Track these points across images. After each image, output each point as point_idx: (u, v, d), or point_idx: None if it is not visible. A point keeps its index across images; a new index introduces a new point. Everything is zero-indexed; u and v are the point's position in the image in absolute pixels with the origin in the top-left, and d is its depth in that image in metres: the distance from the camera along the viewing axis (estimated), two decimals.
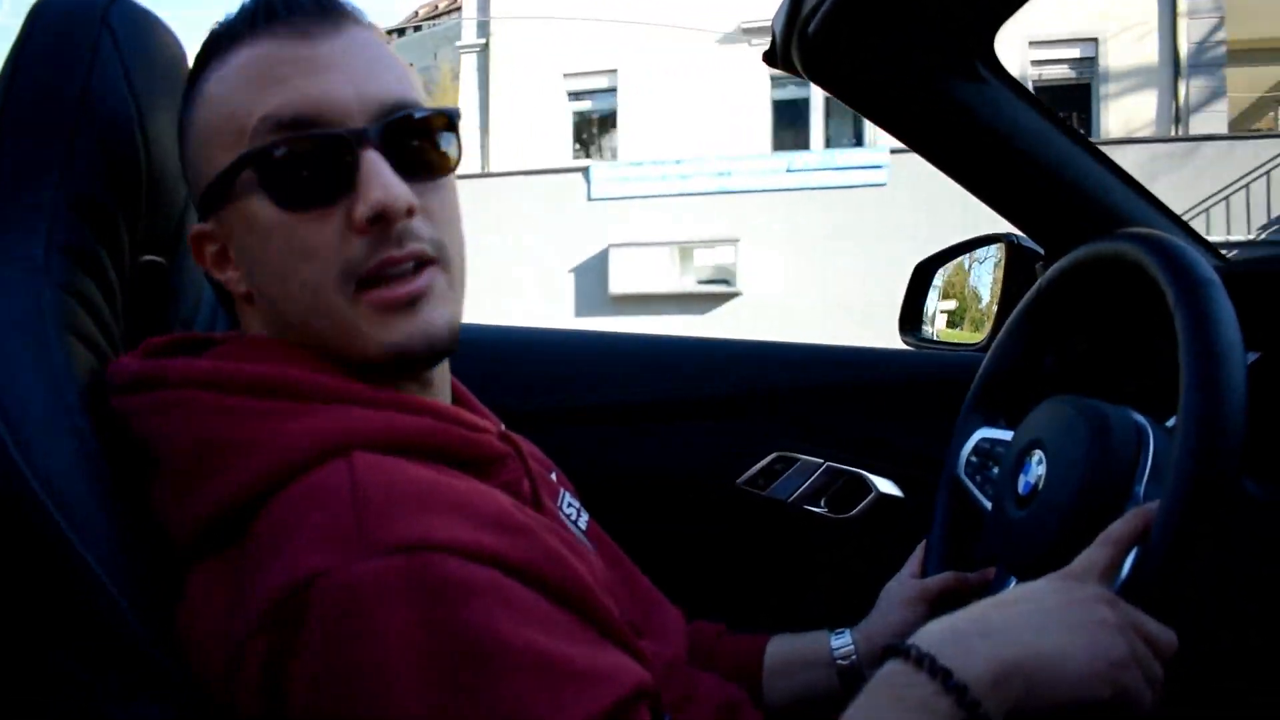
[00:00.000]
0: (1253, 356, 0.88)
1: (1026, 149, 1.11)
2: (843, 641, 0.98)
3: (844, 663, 0.96)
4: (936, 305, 1.59)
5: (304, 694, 0.56)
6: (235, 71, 0.67)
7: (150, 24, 0.83)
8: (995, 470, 0.99)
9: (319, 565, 0.56)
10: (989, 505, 0.96)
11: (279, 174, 0.65)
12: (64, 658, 0.61)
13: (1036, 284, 1.04)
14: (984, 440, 1.03)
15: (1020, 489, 0.89)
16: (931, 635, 0.67)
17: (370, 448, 0.63)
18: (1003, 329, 1.08)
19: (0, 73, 0.76)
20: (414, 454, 0.66)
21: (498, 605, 0.57)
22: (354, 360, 0.68)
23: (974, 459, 1.03)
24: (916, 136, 1.14)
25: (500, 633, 0.56)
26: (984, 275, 1.51)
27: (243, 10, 0.69)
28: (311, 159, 0.65)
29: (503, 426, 0.81)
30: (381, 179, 0.64)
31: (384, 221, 0.65)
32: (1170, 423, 0.79)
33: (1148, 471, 0.80)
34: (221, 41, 0.69)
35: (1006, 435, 0.99)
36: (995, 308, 1.39)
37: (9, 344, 0.66)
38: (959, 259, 1.62)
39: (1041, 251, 1.28)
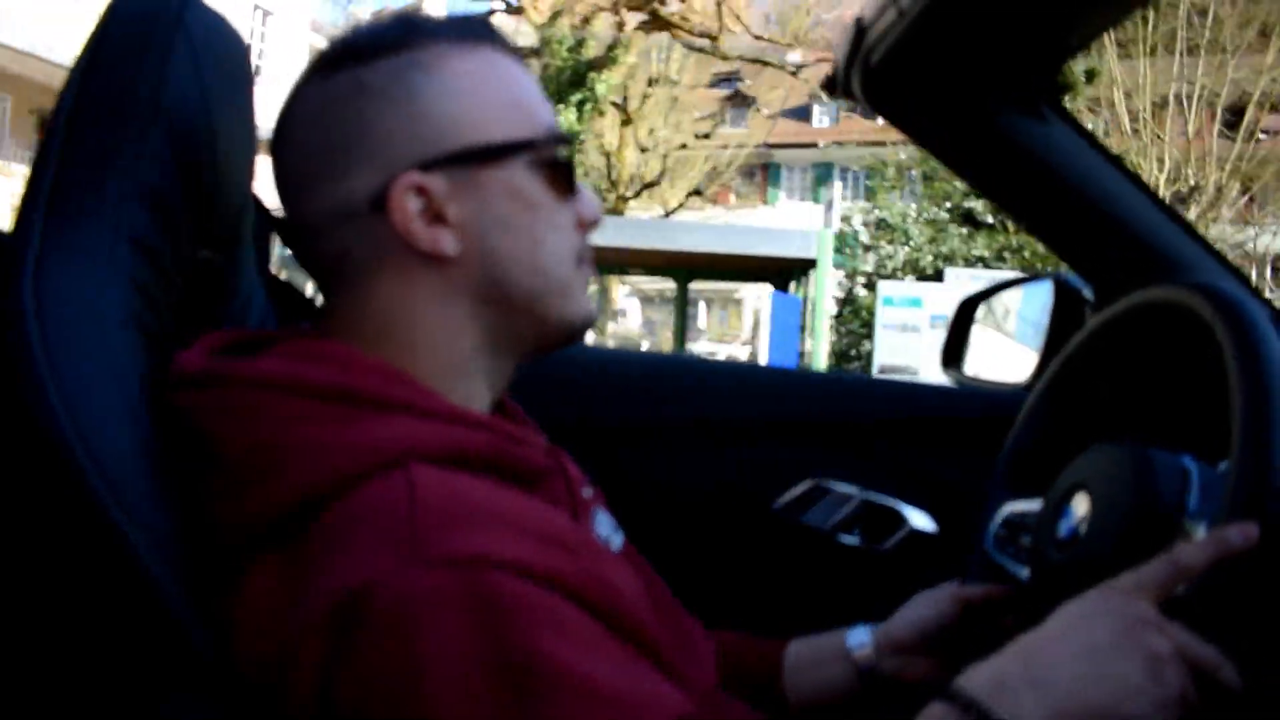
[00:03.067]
0: None
1: (1085, 190, 1.10)
2: (860, 638, 0.98)
3: (861, 655, 0.97)
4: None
5: (352, 700, 0.56)
6: (491, 66, 0.75)
7: (221, 26, 0.85)
8: (1026, 539, 0.98)
9: (374, 575, 0.57)
10: (1023, 573, 0.95)
11: (558, 169, 0.75)
12: (109, 645, 0.61)
13: (1084, 329, 1.03)
14: (1013, 514, 1.02)
15: (1062, 532, 0.88)
16: (979, 683, 0.66)
17: (428, 459, 0.64)
18: (1032, 394, 1.07)
19: (75, 65, 0.78)
20: (471, 467, 0.66)
21: (549, 626, 0.57)
22: (551, 322, 0.77)
23: (1003, 532, 1.02)
24: (974, 171, 1.14)
25: (550, 654, 0.56)
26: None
27: (467, 18, 0.77)
28: (572, 167, 0.78)
29: (547, 440, 0.81)
30: (590, 194, 0.79)
31: (594, 226, 0.79)
32: (1221, 466, 0.79)
33: (1197, 509, 0.79)
34: (445, 31, 0.74)
35: (1035, 505, 0.98)
36: (1040, 349, 1.38)
37: (73, 332, 0.67)
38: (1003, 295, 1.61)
39: (1089, 293, 1.27)
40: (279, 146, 0.75)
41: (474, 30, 0.76)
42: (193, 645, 0.62)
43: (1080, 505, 0.87)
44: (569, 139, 0.78)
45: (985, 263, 13.67)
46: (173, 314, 0.79)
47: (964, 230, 14.56)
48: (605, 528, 0.85)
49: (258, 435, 0.66)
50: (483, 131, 0.73)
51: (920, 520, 1.33)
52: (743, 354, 18.04)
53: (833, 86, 1.12)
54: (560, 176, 0.76)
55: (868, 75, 1.04)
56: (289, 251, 0.80)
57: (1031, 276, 1.52)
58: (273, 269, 1.10)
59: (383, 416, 0.66)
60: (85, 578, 0.62)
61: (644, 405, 1.40)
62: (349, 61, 0.73)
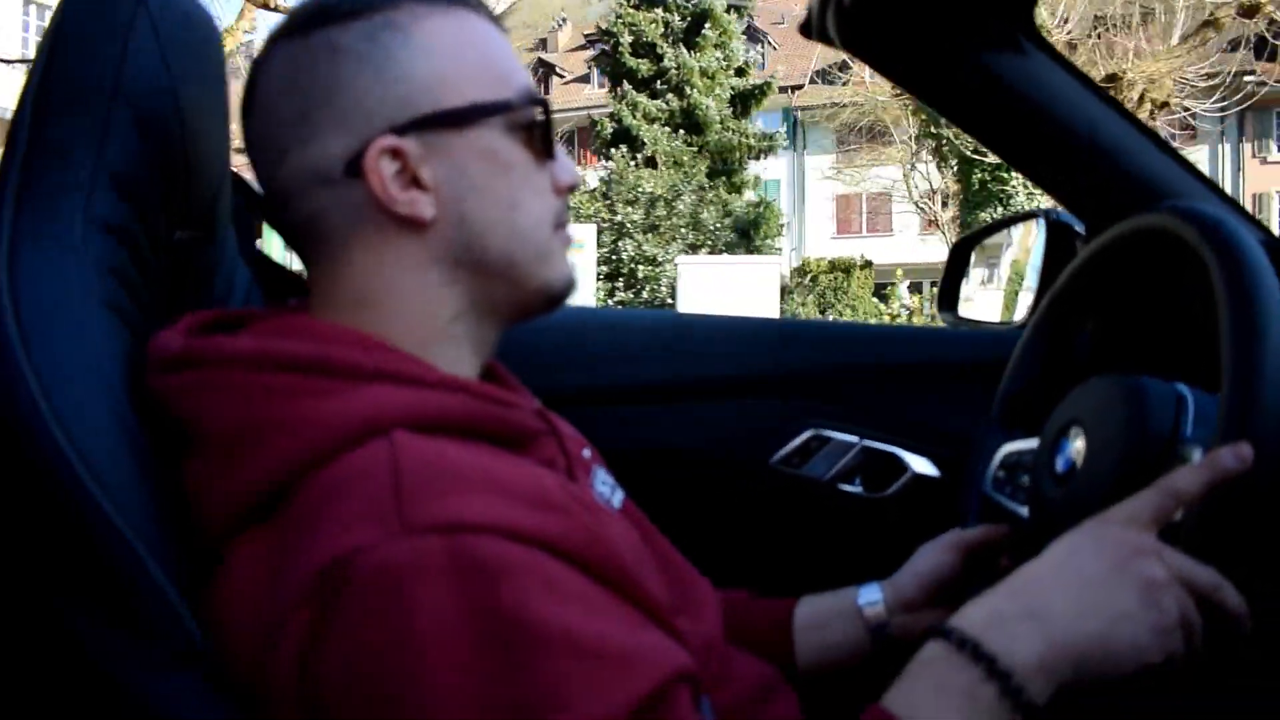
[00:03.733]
0: None
1: (1067, 121, 1.09)
2: (869, 594, 0.97)
3: (872, 613, 0.96)
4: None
5: (338, 670, 0.56)
6: (465, 28, 0.74)
7: (185, 3, 0.84)
8: (1025, 478, 0.98)
9: (359, 543, 0.56)
10: (1023, 511, 0.95)
11: (534, 131, 0.75)
12: (97, 628, 0.61)
13: (1072, 263, 1.02)
14: (1010, 454, 1.02)
15: (1059, 467, 0.88)
16: (974, 618, 0.66)
17: (410, 427, 0.63)
18: (1023, 334, 1.06)
19: (38, 52, 0.77)
20: (453, 432, 0.65)
21: (537, 586, 0.57)
22: (530, 287, 0.76)
23: (1001, 473, 1.02)
24: (955, 108, 1.12)
25: (539, 614, 0.56)
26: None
27: None
28: (550, 130, 0.77)
29: (538, 403, 0.81)
30: (567, 158, 0.78)
31: (571, 190, 0.78)
32: (1216, 396, 0.78)
33: (1192, 435, 0.78)
34: (415, 6, 0.73)
35: (1032, 444, 0.98)
36: (1036, 286, 1.37)
37: (47, 320, 0.66)
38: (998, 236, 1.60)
39: (1081, 228, 1.26)
40: (249, 110, 0.74)
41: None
42: (184, 627, 0.62)
43: (1076, 439, 0.87)
44: (544, 102, 0.77)
45: None
46: (151, 297, 0.79)
47: None
48: (605, 486, 0.85)
49: (235, 413, 0.65)
50: (457, 94, 0.72)
51: (922, 465, 1.33)
52: None
53: (808, 29, 1.11)
54: (537, 139, 0.75)
55: (842, 16, 1.03)
56: None
57: (1022, 215, 1.51)
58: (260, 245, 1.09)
59: (361, 386, 0.65)
60: (71, 562, 0.62)
61: (639, 365, 1.40)
62: (322, 22, 0.71)
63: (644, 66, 19.48)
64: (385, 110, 0.70)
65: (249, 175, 0.90)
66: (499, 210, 0.73)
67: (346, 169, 0.70)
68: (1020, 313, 1.44)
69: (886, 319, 13.39)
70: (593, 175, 19.60)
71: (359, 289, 0.72)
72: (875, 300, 16.17)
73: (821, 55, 25.75)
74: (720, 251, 16.84)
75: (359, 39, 0.70)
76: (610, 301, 16.35)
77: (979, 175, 17.78)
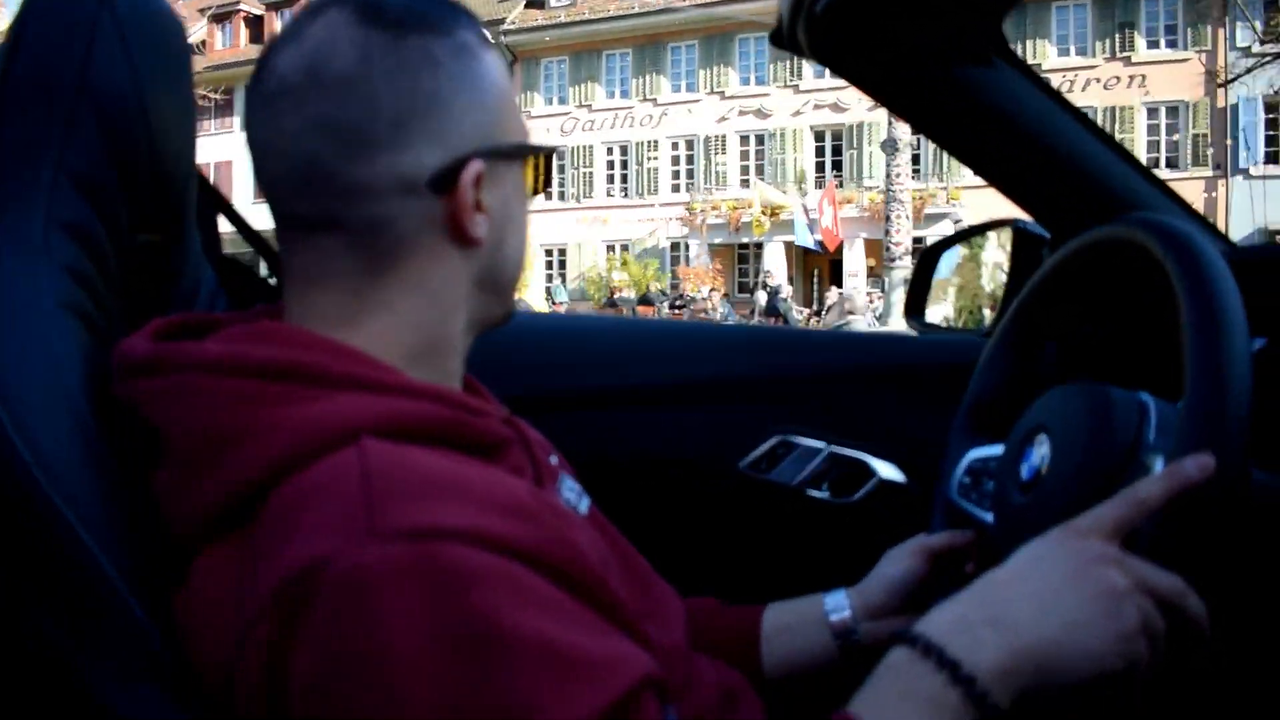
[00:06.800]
0: (1259, 343, 0.88)
1: (1034, 132, 1.10)
2: (836, 601, 0.98)
3: (838, 620, 0.96)
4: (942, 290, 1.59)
5: (306, 681, 0.55)
6: (505, 74, 0.77)
7: (151, 3, 0.83)
8: (990, 484, 0.98)
9: (327, 551, 0.56)
10: (989, 518, 0.96)
11: (546, 171, 0.80)
12: (62, 639, 0.61)
13: (1037, 273, 1.03)
14: (976, 460, 1.03)
15: (1024, 475, 0.88)
16: (939, 624, 0.66)
17: (379, 434, 0.63)
18: (990, 342, 1.07)
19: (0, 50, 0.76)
20: (423, 439, 0.65)
21: (507, 593, 0.57)
22: (510, 306, 0.81)
23: (966, 479, 1.02)
24: (924, 119, 1.13)
25: (509, 621, 0.55)
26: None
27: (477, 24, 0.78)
28: (551, 169, 0.82)
29: (506, 411, 0.81)
30: None
31: None
32: (1179, 405, 0.79)
33: (1154, 443, 0.79)
34: (474, 33, 0.75)
35: (998, 450, 0.99)
36: (1000, 295, 1.38)
37: (6, 323, 0.65)
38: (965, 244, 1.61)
39: (1048, 237, 1.28)
40: (313, 92, 0.68)
41: (480, 25, 0.78)
42: (148, 637, 0.61)
43: (1041, 446, 0.87)
44: (554, 148, 0.84)
45: None
46: (113, 300, 0.78)
47: None
48: (571, 493, 0.85)
49: (203, 419, 0.65)
50: (514, 128, 0.76)
51: (888, 471, 1.34)
52: None
53: (779, 38, 1.11)
54: (546, 178, 0.80)
55: (812, 25, 1.03)
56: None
57: (991, 224, 1.52)
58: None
59: (331, 393, 0.65)
60: (36, 577, 0.61)
61: (604, 370, 1.40)
62: (417, 28, 0.70)
63: None
64: (475, 133, 0.72)
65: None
66: (520, 238, 0.79)
67: (434, 183, 0.70)
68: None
69: None
70: None
71: (386, 296, 0.71)
72: None
73: None
74: None
75: (452, 56, 0.71)
76: None
77: None
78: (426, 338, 0.73)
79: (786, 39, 1.09)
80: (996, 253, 1.46)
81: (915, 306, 1.57)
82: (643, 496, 1.28)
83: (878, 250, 23.83)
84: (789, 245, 22.69)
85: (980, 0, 1.01)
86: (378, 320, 0.71)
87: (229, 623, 0.59)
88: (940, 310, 1.58)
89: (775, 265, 23.25)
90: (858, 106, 23.89)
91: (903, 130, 14.77)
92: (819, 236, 20.86)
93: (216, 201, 1.03)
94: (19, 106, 0.74)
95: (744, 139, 25.50)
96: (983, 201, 22.04)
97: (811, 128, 25.02)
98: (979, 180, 1.21)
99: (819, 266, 24.37)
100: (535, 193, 0.80)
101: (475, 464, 0.66)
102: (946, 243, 1.63)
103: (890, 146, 15.02)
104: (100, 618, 0.61)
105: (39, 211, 0.71)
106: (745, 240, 24.20)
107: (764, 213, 22.88)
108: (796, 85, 24.82)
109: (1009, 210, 1.32)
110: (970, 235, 1.63)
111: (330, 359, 0.67)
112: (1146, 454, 0.79)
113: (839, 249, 22.30)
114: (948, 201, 22.45)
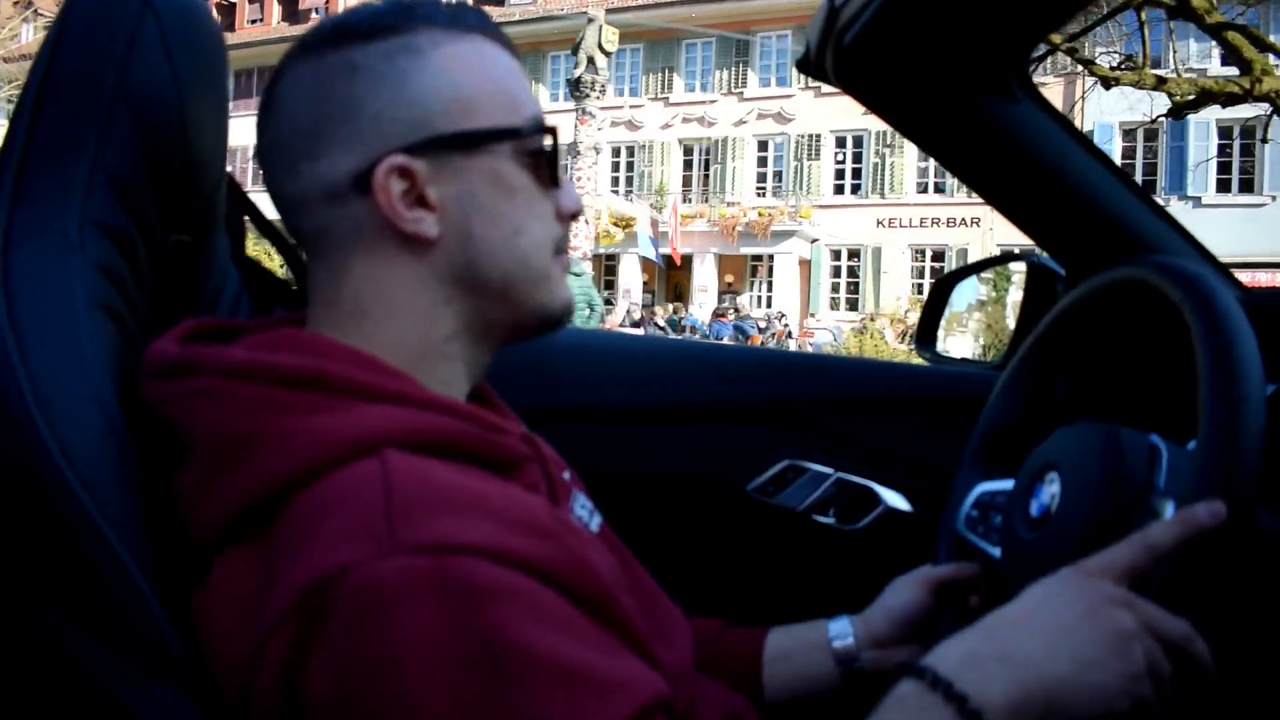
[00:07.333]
0: (1272, 388, 0.88)
1: (1054, 169, 1.11)
2: (840, 628, 0.98)
3: (841, 647, 0.96)
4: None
5: (322, 689, 0.56)
6: (482, 54, 0.75)
7: (193, 7, 0.84)
8: (998, 518, 0.99)
9: (346, 560, 0.56)
10: (995, 552, 0.96)
11: (541, 158, 0.77)
12: (83, 638, 0.61)
13: (1052, 311, 1.04)
14: (984, 494, 1.03)
15: (1033, 511, 0.89)
16: (949, 658, 0.66)
17: (401, 446, 0.64)
18: (1003, 375, 1.07)
19: (41, 48, 0.77)
20: (443, 454, 0.66)
21: (523, 610, 0.57)
22: (526, 309, 0.77)
23: (974, 512, 1.03)
24: (945, 151, 1.14)
25: (523, 638, 0.56)
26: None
27: (461, 6, 0.78)
28: (556, 158, 0.78)
29: (524, 427, 0.81)
30: (571, 186, 0.80)
31: (574, 217, 0.80)
32: (1190, 446, 0.80)
33: (1165, 487, 0.80)
34: (439, 17, 0.74)
35: (1007, 484, 0.99)
36: (1013, 328, 1.39)
37: (39, 319, 0.66)
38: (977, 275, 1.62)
39: (1062, 273, 1.28)
40: (265, 121, 0.74)
41: (467, 18, 0.76)
42: (166, 639, 0.62)
43: (1051, 484, 0.88)
44: (553, 130, 0.78)
45: None
46: (144, 299, 0.79)
47: None
48: (583, 510, 0.85)
49: (228, 424, 0.65)
50: (470, 118, 0.73)
51: (895, 499, 1.34)
52: None
53: (806, 66, 1.12)
54: (543, 167, 0.77)
55: (840, 55, 1.04)
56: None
57: (1005, 257, 1.53)
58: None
59: (355, 403, 0.66)
60: (59, 572, 0.62)
61: (619, 388, 1.40)
62: (342, 41, 0.72)
63: None
64: (398, 130, 0.71)
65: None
66: (502, 233, 0.75)
67: (355, 185, 0.70)
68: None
69: None
70: None
71: (357, 303, 0.72)
72: None
73: None
74: None
75: (377, 59, 0.71)
76: None
77: None
78: (409, 343, 0.73)
79: (814, 66, 1.10)
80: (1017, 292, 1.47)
81: (927, 336, 1.58)
82: (651, 514, 1.28)
83: (733, 265, 24.60)
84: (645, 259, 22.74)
85: (1006, 32, 1.02)
86: (359, 329, 0.72)
87: (247, 627, 0.59)
88: (957, 342, 1.58)
89: (631, 278, 23.37)
90: (723, 121, 24.17)
91: (585, 135, 14.77)
92: (667, 250, 21.01)
93: (244, 205, 1.04)
94: (58, 104, 0.74)
95: (615, 150, 25.75)
96: (835, 220, 22.31)
97: (680, 141, 25.25)
98: (836, 200, 1.22)
99: (680, 281, 24.58)
100: (542, 183, 0.77)
101: (493, 480, 0.67)
102: (960, 274, 1.63)
103: (572, 151, 14.81)
104: (122, 619, 0.61)
105: (74, 209, 0.72)
106: (600, 251, 23.75)
107: (614, 223, 22.72)
108: (666, 98, 25.14)
109: (862, 234, 1.33)
110: (984, 267, 1.63)
111: (355, 369, 0.68)
112: (1156, 498, 0.79)
113: (686, 262, 22.51)
114: (795, 219, 22.59)
